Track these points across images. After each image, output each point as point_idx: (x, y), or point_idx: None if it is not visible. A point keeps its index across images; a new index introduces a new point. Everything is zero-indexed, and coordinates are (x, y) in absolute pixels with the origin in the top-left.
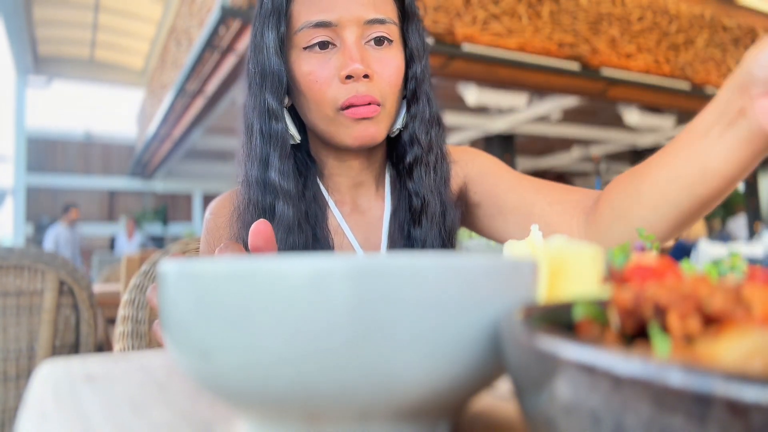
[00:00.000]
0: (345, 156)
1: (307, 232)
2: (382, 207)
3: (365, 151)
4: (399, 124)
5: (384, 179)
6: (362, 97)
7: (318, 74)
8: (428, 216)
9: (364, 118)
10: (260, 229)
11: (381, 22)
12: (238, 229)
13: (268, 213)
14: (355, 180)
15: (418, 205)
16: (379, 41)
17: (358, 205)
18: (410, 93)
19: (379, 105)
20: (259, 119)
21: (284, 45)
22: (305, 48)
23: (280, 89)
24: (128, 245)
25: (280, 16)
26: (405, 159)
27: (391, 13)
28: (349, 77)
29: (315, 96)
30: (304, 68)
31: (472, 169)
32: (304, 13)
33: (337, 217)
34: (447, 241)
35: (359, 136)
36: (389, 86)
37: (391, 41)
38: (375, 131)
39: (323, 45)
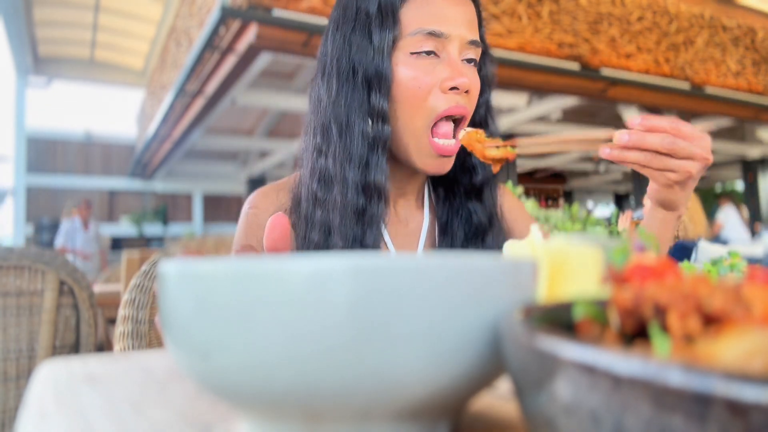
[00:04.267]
0: (396, 165)
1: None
2: (421, 219)
3: None
4: None
5: (423, 193)
6: (462, 108)
7: (422, 80)
8: (494, 232)
9: (445, 156)
10: (279, 222)
11: (477, 44)
12: (303, 225)
13: (360, 214)
14: (401, 190)
15: (486, 222)
16: (470, 61)
17: (398, 213)
18: (482, 116)
19: (466, 119)
20: (362, 120)
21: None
22: (412, 53)
23: (388, 93)
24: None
25: (394, 19)
26: (473, 178)
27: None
28: (453, 89)
29: (414, 101)
30: (408, 72)
31: (503, 202)
32: (416, 20)
33: None
34: None
35: (435, 168)
36: (475, 102)
37: (477, 63)
38: (448, 168)
39: (429, 53)
